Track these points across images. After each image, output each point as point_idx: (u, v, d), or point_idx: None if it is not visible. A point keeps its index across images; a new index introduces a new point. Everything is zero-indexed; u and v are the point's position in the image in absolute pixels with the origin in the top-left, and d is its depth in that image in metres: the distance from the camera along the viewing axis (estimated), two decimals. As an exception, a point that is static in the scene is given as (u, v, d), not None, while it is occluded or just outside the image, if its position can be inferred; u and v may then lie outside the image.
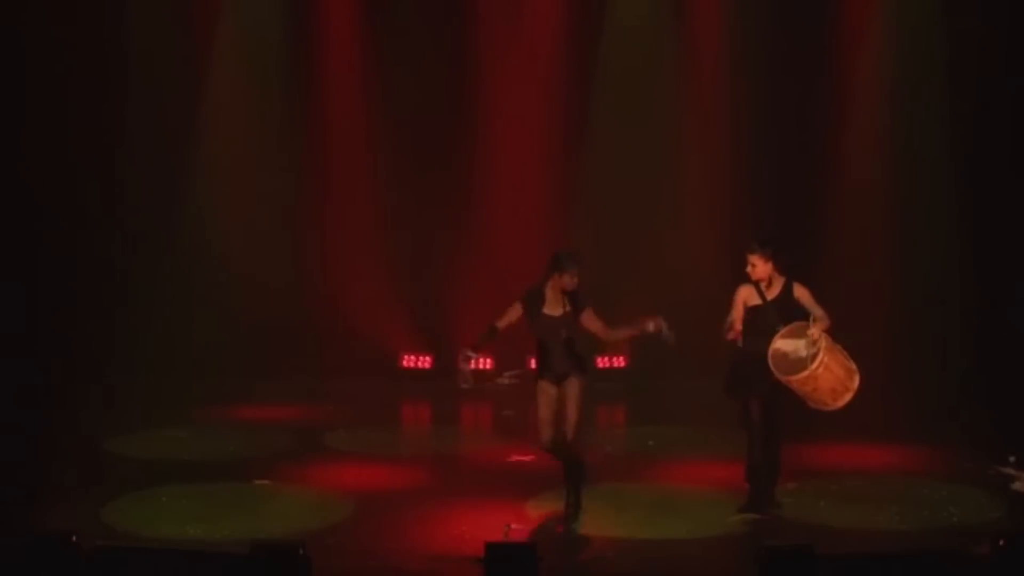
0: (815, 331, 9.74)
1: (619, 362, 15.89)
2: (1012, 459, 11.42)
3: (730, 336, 10.03)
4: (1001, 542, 7.23)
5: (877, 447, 12.42)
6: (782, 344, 9.86)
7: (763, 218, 15.04)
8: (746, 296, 10.13)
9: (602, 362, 15.85)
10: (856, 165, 15.66)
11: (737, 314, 10.08)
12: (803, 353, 9.77)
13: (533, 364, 15.66)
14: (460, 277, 15.79)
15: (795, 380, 9.74)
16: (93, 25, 15.16)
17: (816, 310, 9.95)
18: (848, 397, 9.90)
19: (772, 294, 10.09)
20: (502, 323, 10.28)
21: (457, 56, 15.86)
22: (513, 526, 9.78)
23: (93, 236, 15.39)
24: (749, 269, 10.11)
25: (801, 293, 10.09)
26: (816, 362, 9.64)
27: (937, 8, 15.19)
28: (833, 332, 9.89)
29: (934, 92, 15.26)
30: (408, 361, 16.03)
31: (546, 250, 15.69)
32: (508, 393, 15.39)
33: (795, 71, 15.34)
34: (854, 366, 9.91)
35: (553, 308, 10.21)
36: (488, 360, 15.88)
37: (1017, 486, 10.92)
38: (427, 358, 15.99)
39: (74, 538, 7.23)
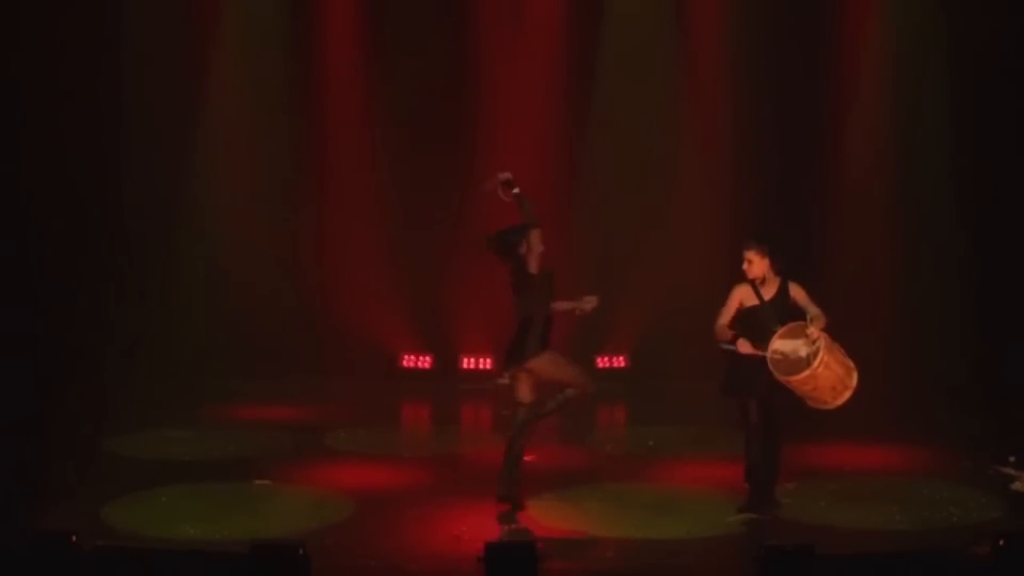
0: (814, 331, 9.74)
1: (619, 362, 15.90)
2: (1012, 459, 11.43)
3: (725, 342, 9.99)
4: (1001, 542, 7.24)
5: (877, 447, 12.42)
6: (780, 344, 9.85)
7: (763, 215, 15.07)
8: (743, 296, 10.11)
9: (602, 362, 15.87)
10: (857, 163, 15.66)
11: (728, 316, 10.06)
12: (802, 353, 9.77)
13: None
14: (460, 277, 15.79)
15: (796, 380, 9.74)
16: (90, 21, 15.15)
17: (813, 309, 9.94)
18: (848, 395, 9.91)
19: (768, 294, 10.09)
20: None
21: (458, 53, 15.84)
22: (513, 526, 9.78)
23: (92, 236, 15.38)
24: (746, 266, 10.10)
25: (797, 292, 10.07)
26: (816, 361, 9.64)
27: (938, 7, 15.18)
28: (832, 331, 9.90)
29: (935, 91, 15.26)
30: (408, 361, 16.04)
31: (546, 250, 15.83)
32: (508, 393, 15.37)
33: (795, 68, 15.33)
34: (852, 364, 9.92)
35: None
36: (488, 360, 15.89)
37: (1017, 486, 10.92)
38: (427, 358, 16.00)
39: (74, 538, 7.23)
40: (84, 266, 15.26)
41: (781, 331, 9.87)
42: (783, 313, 9.98)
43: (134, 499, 10.64)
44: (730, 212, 15.15)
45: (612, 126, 15.85)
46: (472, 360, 15.93)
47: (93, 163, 15.37)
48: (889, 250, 15.45)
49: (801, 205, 15.49)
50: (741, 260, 10.11)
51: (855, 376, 9.88)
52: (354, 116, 16.07)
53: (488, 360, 15.88)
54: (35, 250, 15.13)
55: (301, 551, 7.13)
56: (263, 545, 7.32)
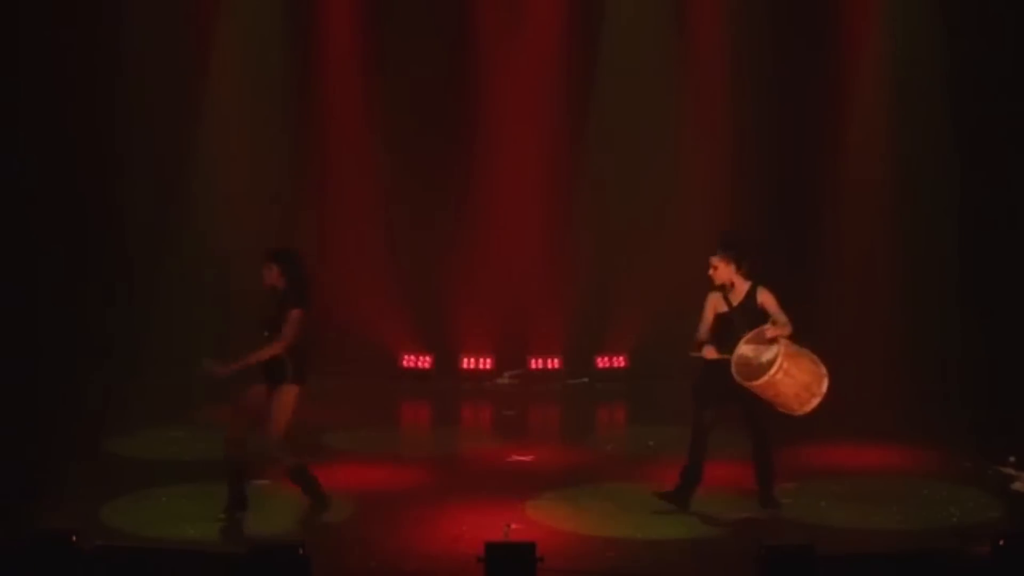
0: (771, 330, 9.72)
1: (619, 362, 15.90)
2: (1012, 459, 11.42)
3: (695, 352, 10.00)
4: (1001, 542, 7.25)
5: (877, 447, 12.42)
6: (745, 350, 9.84)
7: (763, 215, 15.11)
8: (715, 303, 10.12)
9: (602, 362, 15.88)
10: (857, 163, 15.67)
11: (706, 324, 10.07)
12: (764, 359, 9.75)
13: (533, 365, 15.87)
14: (460, 277, 15.81)
15: (756, 386, 9.73)
16: (90, 19, 15.15)
17: (779, 316, 9.89)
18: (816, 402, 9.86)
19: (736, 300, 10.06)
20: None
21: (458, 53, 15.84)
22: (513, 526, 9.77)
23: (92, 236, 15.38)
24: (711, 272, 10.09)
25: (765, 298, 10.01)
26: (774, 368, 9.62)
27: (936, 7, 15.18)
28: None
29: (935, 90, 15.25)
30: (408, 361, 16.03)
31: (546, 250, 15.88)
32: (508, 393, 15.41)
33: (796, 68, 15.34)
34: (823, 370, 9.86)
35: (271, 302, 10.21)
36: (488, 360, 15.91)
37: (1017, 486, 10.93)
38: (427, 358, 16.00)
39: (74, 538, 7.24)
40: (84, 266, 15.25)
41: (748, 336, 9.87)
42: (752, 318, 9.95)
43: (134, 499, 10.64)
44: (730, 212, 15.12)
45: (612, 126, 15.84)
46: (472, 360, 15.93)
47: (92, 162, 15.35)
48: (889, 249, 15.45)
49: (801, 205, 15.50)
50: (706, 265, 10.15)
51: (825, 383, 9.83)
52: (354, 116, 16.07)
53: (488, 360, 15.89)
54: (35, 249, 15.12)
55: (301, 551, 7.14)
56: (263, 545, 7.33)
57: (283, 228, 15.92)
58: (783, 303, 10.00)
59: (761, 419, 10.10)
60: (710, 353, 9.95)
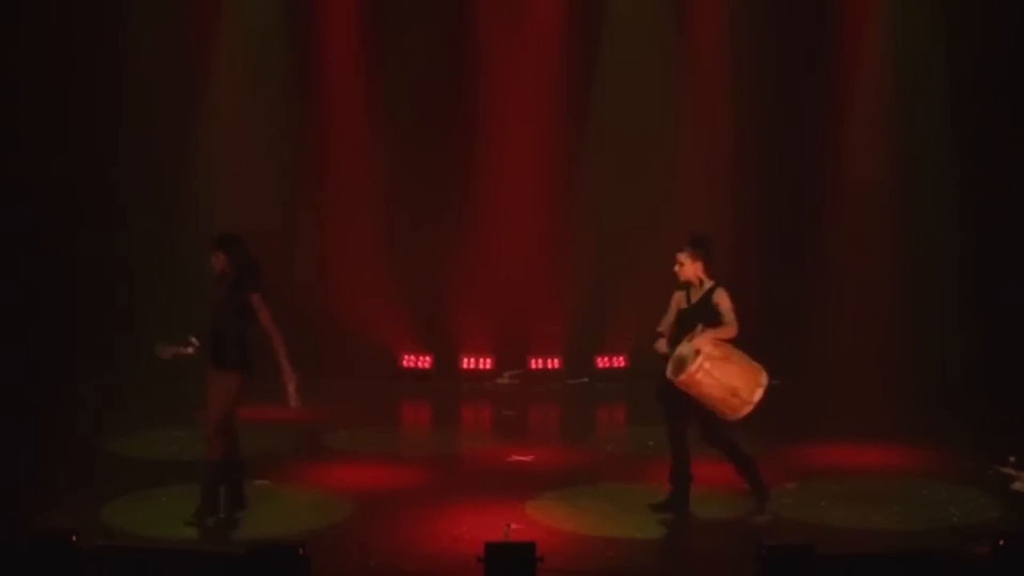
0: (699, 340, 9.68)
1: (619, 362, 15.90)
2: (1012, 459, 11.43)
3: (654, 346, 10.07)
4: (1001, 542, 7.24)
5: (877, 447, 12.42)
6: (684, 348, 9.84)
7: (763, 214, 15.10)
8: (678, 300, 10.14)
9: (602, 362, 15.88)
10: (857, 163, 15.67)
11: (667, 321, 10.10)
12: (690, 358, 9.74)
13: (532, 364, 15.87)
14: (461, 277, 15.80)
15: (678, 383, 9.72)
16: (91, 20, 15.15)
17: (727, 316, 9.88)
18: (747, 409, 9.79)
19: (695, 298, 10.07)
20: None
21: (458, 53, 15.85)
22: (513, 526, 9.77)
23: (92, 235, 15.37)
24: (677, 268, 10.10)
25: (720, 299, 9.97)
26: (694, 367, 9.60)
27: (937, 6, 15.19)
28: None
29: (935, 90, 15.25)
30: (408, 361, 16.04)
31: (546, 250, 15.88)
32: (508, 393, 15.41)
33: (796, 68, 15.34)
34: (762, 379, 9.79)
35: (218, 288, 10.12)
36: (488, 360, 15.91)
37: (1017, 486, 10.93)
38: (427, 358, 16.00)
39: (74, 538, 7.24)
40: (84, 266, 15.25)
41: (690, 335, 9.86)
42: (705, 318, 9.94)
43: (134, 499, 10.64)
44: (730, 212, 15.15)
45: (612, 125, 15.84)
46: (472, 360, 15.93)
47: (92, 163, 15.35)
48: (889, 249, 15.44)
49: (801, 205, 15.50)
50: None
51: (759, 392, 9.75)
52: (354, 116, 16.07)
53: (488, 360, 15.89)
54: (35, 249, 15.12)
55: (301, 551, 7.14)
56: (263, 545, 7.32)
57: (283, 228, 15.96)
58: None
59: (711, 421, 10.00)
60: (661, 347, 10.01)
